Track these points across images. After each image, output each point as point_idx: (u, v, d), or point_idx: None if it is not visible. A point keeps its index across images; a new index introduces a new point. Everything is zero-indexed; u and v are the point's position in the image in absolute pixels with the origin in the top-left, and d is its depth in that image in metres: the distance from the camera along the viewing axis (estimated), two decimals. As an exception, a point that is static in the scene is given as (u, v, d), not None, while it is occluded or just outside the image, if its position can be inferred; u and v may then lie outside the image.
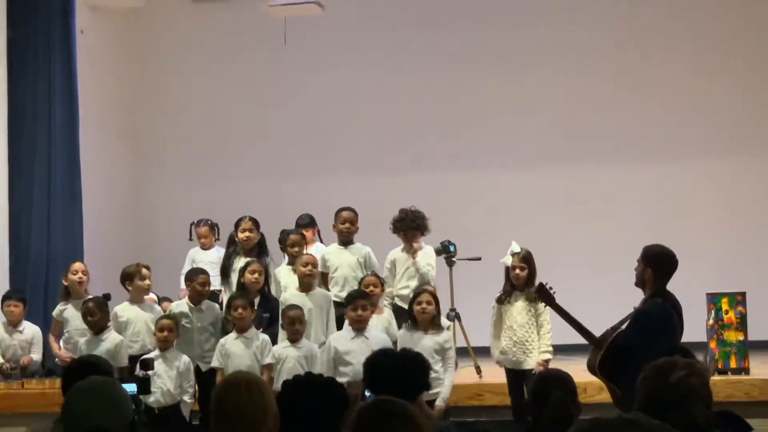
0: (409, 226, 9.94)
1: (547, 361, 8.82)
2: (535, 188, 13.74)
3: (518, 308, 8.95)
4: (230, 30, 14.49)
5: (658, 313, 7.27)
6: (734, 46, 13.47)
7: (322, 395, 4.55)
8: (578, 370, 8.48)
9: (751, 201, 13.35)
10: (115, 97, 14.21)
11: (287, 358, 8.91)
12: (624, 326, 7.40)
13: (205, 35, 14.62)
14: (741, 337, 10.01)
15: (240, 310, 9.06)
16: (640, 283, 7.49)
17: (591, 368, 7.53)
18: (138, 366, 8.41)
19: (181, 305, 9.65)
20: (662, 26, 13.63)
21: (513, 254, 8.99)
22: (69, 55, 12.15)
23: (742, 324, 10.05)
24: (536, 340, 8.89)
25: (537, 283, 8.17)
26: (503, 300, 9.04)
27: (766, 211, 13.25)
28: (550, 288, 7.89)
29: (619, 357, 7.05)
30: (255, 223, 10.18)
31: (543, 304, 8.48)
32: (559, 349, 10.21)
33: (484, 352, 10.41)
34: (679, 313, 7.38)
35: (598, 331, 7.55)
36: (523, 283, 8.93)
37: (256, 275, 9.57)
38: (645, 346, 6.53)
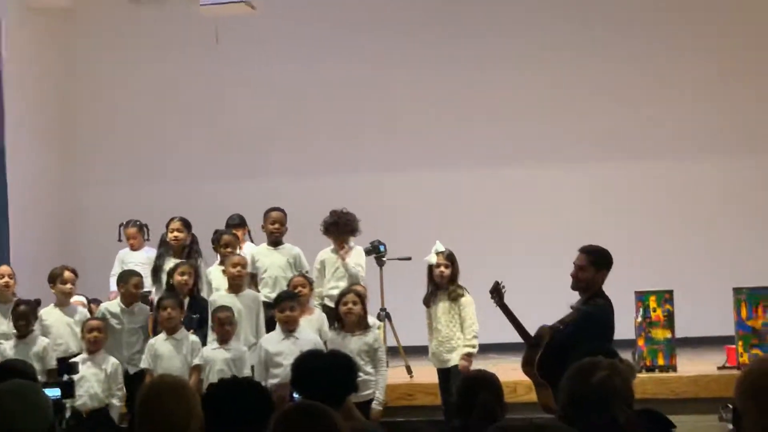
0: (341, 229, 9.94)
1: (469, 355, 8.86)
2: (464, 188, 13.78)
3: (442, 308, 9.02)
4: (162, 30, 14.35)
5: (603, 314, 7.34)
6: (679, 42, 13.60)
7: (246, 398, 4.54)
8: (507, 369, 8.61)
9: (677, 200, 13.48)
10: (44, 98, 14.02)
11: (216, 360, 8.88)
12: (564, 326, 7.43)
13: (138, 36, 14.48)
14: (668, 335, 10.14)
15: (169, 311, 9.03)
16: (584, 286, 7.49)
17: (527, 367, 7.57)
18: (62, 369, 8.35)
19: (112, 306, 9.61)
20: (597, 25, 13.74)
21: (437, 253, 9.04)
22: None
23: (669, 322, 10.17)
24: (460, 337, 8.94)
25: (493, 281, 8.16)
26: (429, 302, 9.10)
27: (692, 210, 13.38)
28: (503, 287, 7.92)
29: (558, 355, 7.07)
30: (185, 223, 10.13)
31: (465, 300, 8.71)
32: (490, 349, 10.30)
33: (414, 351, 10.46)
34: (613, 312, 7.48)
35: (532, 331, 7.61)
36: (447, 281, 8.99)
37: (185, 276, 9.53)
38: (585, 345, 6.59)
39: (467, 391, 5.21)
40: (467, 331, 8.89)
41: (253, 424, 4.35)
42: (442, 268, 9.01)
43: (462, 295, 8.93)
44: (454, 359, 8.92)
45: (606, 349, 5.54)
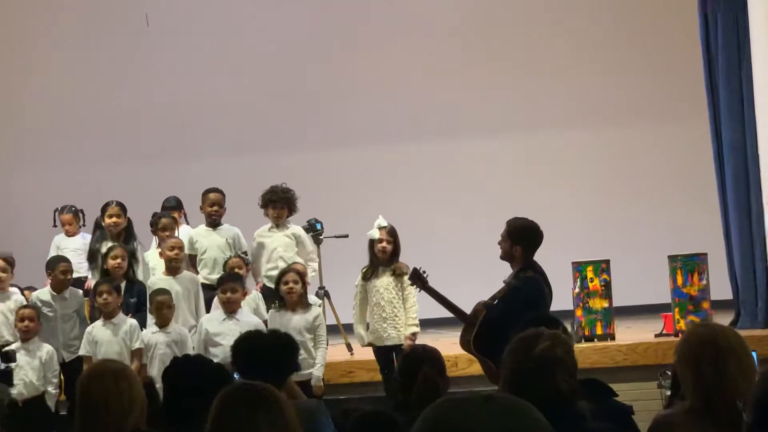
0: (279, 197, 9.86)
1: (414, 335, 8.89)
2: (400, 163, 13.77)
3: (384, 283, 8.99)
4: (91, 12, 14.17)
5: (530, 287, 7.36)
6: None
7: (205, 375, 4.55)
8: (447, 344, 8.63)
9: (613, 169, 13.56)
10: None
11: (157, 343, 8.80)
12: (496, 301, 7.47)
13: (64, 17, 14.27)
14: (606, 305, 10.22)
15: (105, 296, 8.93)
16: (507, 257, 7.56)
17: (465, 345, 7.60)
18: (0, 358, 8.26)
19: (43, 293, 9.50)
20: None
21: (380, 228, 9.03)
22: None
23: (606, 291, 10.25)
24: (403, 315, 8.95)
25: (411, 268, 8.17)
26: (368, 276, 9.07)
27: (628, 179, 13.47)
28: (424, 272, 7.92)
29: (492, 332, 7.10)
30: (122, 208, 10.03)
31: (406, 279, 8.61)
32: (429, 324, 10.30)
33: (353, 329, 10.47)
34: (547, 283, 7.50)
35: (467, 308, 7.63)
36: (389, 257, 8.98)
37: (118, 260, 9.42)
38: (517, 319, 6.63)
39: (409, 366, 5.22)
40: (410, 310, 8.89)
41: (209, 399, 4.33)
42: (384, 244, 8.99)
43: (404, 273, 8.87)
44: (398, 338, 8.92)
45: (546, 318, 5.56)
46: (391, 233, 9.05)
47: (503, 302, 7.37)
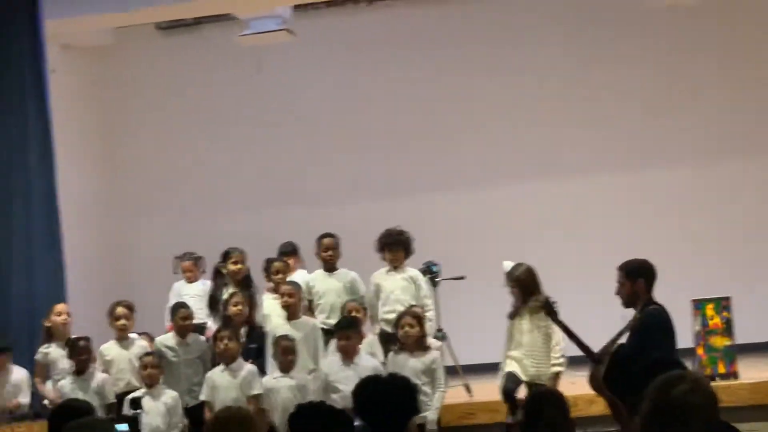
0: (395, 240, 9.87)
1: (557, 375, 8.70)
2: (514, 204, 13.74)
3: (525, 324, 8.82)
4: (202, 61, 14.51)
5: (661, 319, 7.40)
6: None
7: (331, 424, 4.58)
8: (565, 383, 8.53)
9: (733, 206, 13.36)
10: (90, 135, 14.20)
11: (281, 388, 8.87)
12: (624, 338, 7.42)
13: (177, 68, 14.65)
14: (728, 342, 10.01)
15: (226, 342, 9.03)
16: (630, 298, 7.56)
17: (594, 383, 7.51)
18: (128, 405, 8.42)
19: (167, 339, 9.68)
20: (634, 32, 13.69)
21: (506, 273, 8.94)
22: (42, 96, 12.03)
23: (728, 329, 10.05)
24: (547, 354, 8.76)
25: (544, 298, 8.16)
26: (512, 315, 8.91)
27: (748, 216, 13.26)
28: (554, 303, 7.91)
29: (623, 369, 7.03)
30: (244, 255, 10.16)
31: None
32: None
33: (473, 370, 10.43)
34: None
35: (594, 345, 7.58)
36: (520, 299, 8.84)
37: (240, 306, 9.54)
38: (650, 352, 6.55)
39: (533, 409, 5.17)
40: (554, 349, 8.71)
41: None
42: (510, 290, 8.90)
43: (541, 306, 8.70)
44: (543, 378, 8.73)
45: (669, 360, 5.47)
46: (514, 280, 8.87)
47: (636, 337, 7.32)
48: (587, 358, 7.64)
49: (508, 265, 8.97)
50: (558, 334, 8.67)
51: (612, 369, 7.23)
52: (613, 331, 7.55)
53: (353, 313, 9.39)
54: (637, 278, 7.52)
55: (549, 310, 8.07)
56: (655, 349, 6.11)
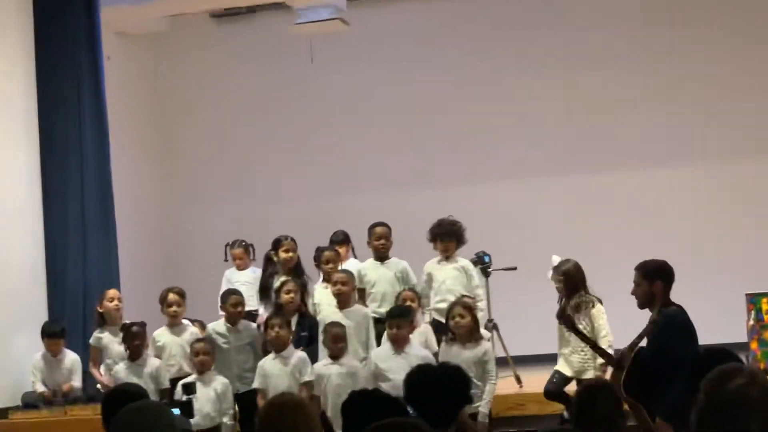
0: (447, 230, 9.88)
1: (605, 365, 8.67)
2: (568, 195, 13.67)
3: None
4: (255, 50, 14.55)
5: (679, 320, 7.32)
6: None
7: (380, 407, 4.59)
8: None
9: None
10: (143, 122, 14.29)
11: (331, 375, 8.88)
12: (645, 341, 7.37)
13: (231, 55, 14.70)
14: (783, 337, 9.93)
15: (277, 330, 9.06)
16: (647, 299, 7.54)
17: (615, 388, 7.46)
18: (181, 390, 8.48)
19: (218, 325, 9.72)
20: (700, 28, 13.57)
21: (553, 268, 8.94)
22: (97, 83, 12.16)
23: (783, 323, 9.96)
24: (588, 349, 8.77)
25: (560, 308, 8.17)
26: (560, 316, 8.95)
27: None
28: (569, 314, 7.89)
29: (646, 373, 7.01)
30: (294, 243, 10.19)
31: (595, 311, 8.64)
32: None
33: (523, 361, 10.40)
34: None
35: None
36: (564, 294, 8.85)
37: (291, 294, 9.57)
38: (671, 354, 6.50)
39: (585, 400, 5.13)
40: (601, 341, 8.62)
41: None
42: (556, 284, 8.90)
43: (582, 306, 8.77)
44: (589, 373, 8.76)
45: (724, 352, 5.41)
46: (563, 273, 8.91)
47: (656, 340, 7.28)
48: (606, 362, 7.64)
49: (556, 259, 8.99)
50: (605, 328, 8.70)
51: (632, 374, 7.20)
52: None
53: (408, 302, 9.37)
54: (654, 280, 7.46)
55: (567, 321, 8.14)
56: (676, 351, 6.04)
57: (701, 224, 12.89)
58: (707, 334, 7.39)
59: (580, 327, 8.54)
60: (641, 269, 7.58)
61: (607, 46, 13.67)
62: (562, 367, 8.91)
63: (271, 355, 9.13)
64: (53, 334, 10.77)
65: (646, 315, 7.58)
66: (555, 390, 8.86)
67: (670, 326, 7.24)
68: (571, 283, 8.82)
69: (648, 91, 13.54)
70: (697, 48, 13.43)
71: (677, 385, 5.93)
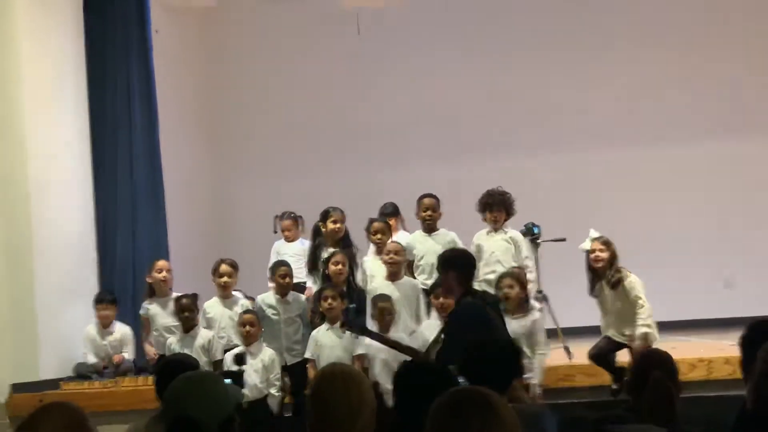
0: (496, 201, 9.84)
1: (646, 336, 8.65)
2: (616, 167, 13.62)
3: (610, 300, 8.89)
4: (303, 24, 14.53)
5: (470, 310, 7.23)
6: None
7: (433, 378, 4.59)
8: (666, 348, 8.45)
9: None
10: (191, 96, 14.32)
11: (379, 348, 8.84)
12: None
13: (280, 31, 14.70)
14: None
15: (330, 301, 9.07)
16: (447, 290, 7.62)
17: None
18: (232, 360, 8.50)
19: (268, 297, 9.73)
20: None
21: (592, 240, 8.93)
22: (146, 56, 12.22)
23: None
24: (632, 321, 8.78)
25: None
26: (595, 293, 8.97)
27: None
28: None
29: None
30: (343, 214, 10.18)
31: (629, 282, 8.73)
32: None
33: (573, 333, 10.36)
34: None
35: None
36: (605, 265, 8.83)
37: (340, 266, 9.57)
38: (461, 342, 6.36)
39: (640, 370, 5.10)
40: (640, 311, 8.68)
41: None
42: (597, 252, 8.88)
43: (622, 279, 8.80)
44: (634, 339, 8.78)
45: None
46: (605, 243, 8.92)
47: (451, 331, 7.25)
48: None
49: (594, 233, 8.95)
50: (643, 298, 8.71)
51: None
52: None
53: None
54: (448, 270, 7.48)
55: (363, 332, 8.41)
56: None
57: (747, 201, 12.78)
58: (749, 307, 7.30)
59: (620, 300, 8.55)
60: (440, 261, 7.64)
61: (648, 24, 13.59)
62: (610, 332, 8.99)
63: (324, 326, 9.15)
64: (104, 300, 10.85)
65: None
66: (596, 353, 8.93)
67: (464, 317, 7.19)
68: (612, 254, 8.82)
69: (701, 63, 13.44)
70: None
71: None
